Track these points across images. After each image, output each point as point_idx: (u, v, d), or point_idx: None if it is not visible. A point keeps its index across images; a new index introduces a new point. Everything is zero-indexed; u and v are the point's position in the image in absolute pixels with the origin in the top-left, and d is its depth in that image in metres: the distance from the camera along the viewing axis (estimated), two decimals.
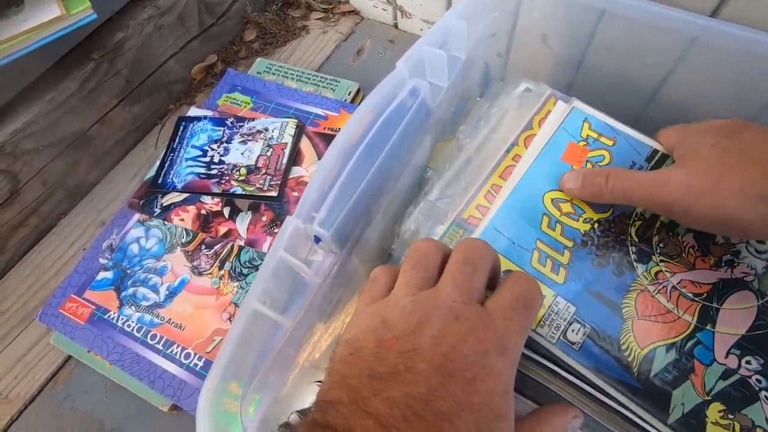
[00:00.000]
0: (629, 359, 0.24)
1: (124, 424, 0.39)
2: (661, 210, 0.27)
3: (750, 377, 0.23)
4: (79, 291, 0.44)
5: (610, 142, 0.31)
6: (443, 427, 0.16)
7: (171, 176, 0.48)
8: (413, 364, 0.17)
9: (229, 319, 0.40)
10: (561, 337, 0.24)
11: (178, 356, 0.39)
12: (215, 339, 0.39)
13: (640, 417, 0.23)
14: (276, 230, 0.44)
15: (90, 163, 0.51)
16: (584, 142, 0.31)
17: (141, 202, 0.47)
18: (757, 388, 0.23)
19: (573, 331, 0.24)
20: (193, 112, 0.53)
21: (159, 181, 0.48)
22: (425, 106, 0.32)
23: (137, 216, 0.47)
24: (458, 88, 0.35)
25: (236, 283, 0.42)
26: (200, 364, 0.39)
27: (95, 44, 0.46)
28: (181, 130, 0.51)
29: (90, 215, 0.50)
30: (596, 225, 0.28)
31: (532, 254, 0.27)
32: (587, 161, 0.30)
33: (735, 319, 0.25)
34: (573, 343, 0.24)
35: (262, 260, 0.43)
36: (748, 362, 0.23)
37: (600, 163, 0.30)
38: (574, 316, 0.25)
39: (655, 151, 0.29)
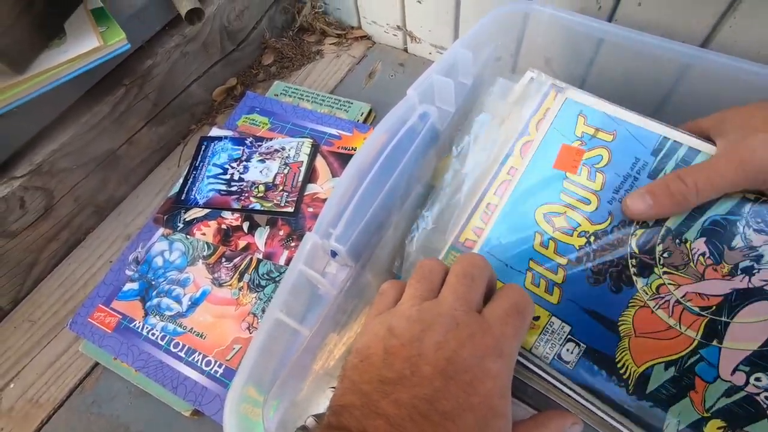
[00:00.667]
0: (624, 377, 0.23)
1: (148, 428, 0.41)
2: (760, 180, 0.24)
3: (758, 395, 0.22)
4: (106, 301, 0.46)
5: (609, 137, 0.29)
6: (447, 426, 0.18)
7: (193, 193, 0.51)
8: (418, 369, 0.19)
9: (248, 328, 0.43)
10: (555, 357, 0.24)
11: (199, 363, 0.41)
12: (235, 347, 0.42)
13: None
14: (292, 244, 0.46)
15: (118, 180, 0.54)
16: (579, 142, 0.29)
17: (165, 217, 0.50)
18: (765, 406, 0.21)
19: (567, 350, 0.24)
20: (215, 132, 0.56)
21: (182, 198, 0.51)
22: (434, 129, 0.34)
23: (161, 230, 0.50)
24: (465, 109, 0.37)
25: (254, 294, 0.44)
26: (220, 371, 0.41)
27: (126, 71, 0.50)
28: (203, 149, 0.54)
29: (117, 230, 0.53)
30: (592, 238, 0.27)
31: (525, 276, 0.27)
32: (582, 165, 0.29)
33: (747, 333, 0.23)
34: (567, 362, 0.24)
35: (279, 272, 0.45)
36: (758, 379, 0.22)
37: (597, 165, 0.29)
38: (569, 336, 0.25)
39: (665, 140, 0.28)
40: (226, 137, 0.55)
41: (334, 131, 0.54)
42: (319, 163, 0.52)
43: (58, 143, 0.46)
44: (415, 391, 0.18)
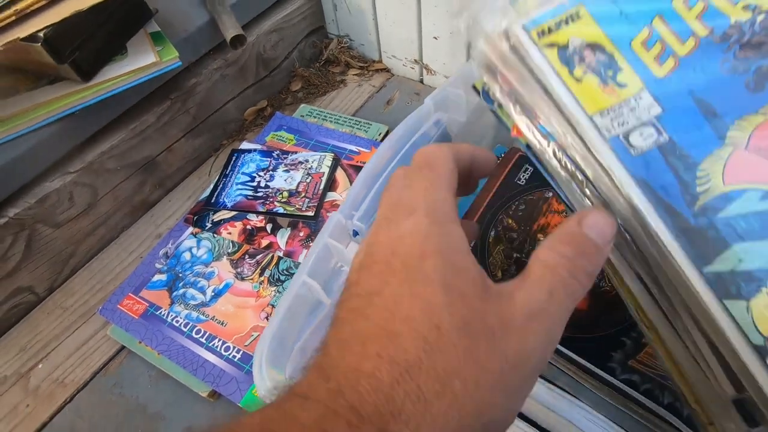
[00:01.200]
0: (698, 190, 0.17)
1: (166, 409, 0.43)
2: None
3: None
4: (135, 290, 0.50)
5: None
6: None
7: (222, 197, 0.56)
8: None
9: (266, 317, 0.45)
10: (620, 136, 0.18)
11: (218, 349, 0.44)
12: (253, 334, 0.44)
13: (671, 257, 0.17)
14: (311, 244, 0.50)
15: (154, 184, 0.59)
16: None
17: (195, 218, 0.55)
18: None
19: (641, 135, 0.18)
20: (245, 145, 0.61)
21: (212, 201, 0.56)
22: (446, 134, 0.39)
23: (191, 229, 0.54)
24: (477, 123, 0.42)
25: (274, 288, 0.47)
26: (238, 356, 0.43)
27: (173, 87, 0.56)
28: (233, 159, 0.60)
29: (149, 229, 0.58)
30: (760, 17, 0.19)
31: (640, 31, 0.19)
32: None
33: None
34: (632, 146, 0.18)
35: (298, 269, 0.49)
36: None
37: None
38: (653, 120, 0.18)
39: None
40: (255, 150, 0.60)
41: (353, 148, 0.59)
42: (339, 174, 0.56)
43: (108, 145, 0.52)
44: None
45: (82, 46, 0.45)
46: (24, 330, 0.51)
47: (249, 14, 0.62)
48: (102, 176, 0.53)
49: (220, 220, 0.54)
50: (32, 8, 0.41)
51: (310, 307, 0.31)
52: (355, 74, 0.72)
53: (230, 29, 0.54)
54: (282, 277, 0.48)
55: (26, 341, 0.50)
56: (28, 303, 0.52)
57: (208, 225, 0.54)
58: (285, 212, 0.53)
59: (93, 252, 0.56)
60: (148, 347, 0.45)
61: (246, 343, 0.44)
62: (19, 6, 0.40)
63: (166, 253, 0.52)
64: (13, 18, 0.40)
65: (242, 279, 0.49)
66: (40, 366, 0.48)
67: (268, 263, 0.50)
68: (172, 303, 0.48)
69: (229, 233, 0.53)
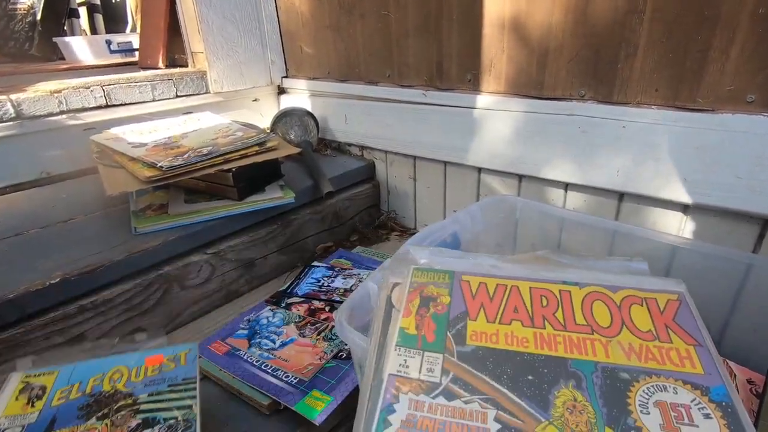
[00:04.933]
0: None
1: (231, 420, 0.55)
2: None
3: None
4: (222, 338, 0.67)
5: None
6: None
7: (296, 289, 0.77)
8: None
9: (320, 358, 0.60)
10: None
11: (281, 376, 0.58)
12: (309, 367, 0.59)
13: None
14: None
15: (248, 279, 0.82)
16: None
17: (274, 300, 0.75)
18: None
19: None
20: (315, 263, 0.86)
21: (287, 291, 0.77)
22: (458, 239, 0.63)
23: (269, 307, 0.74)
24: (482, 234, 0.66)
25: (327, 342, 0.64)
26: (295, 380, 0.57)
27: (281, 218, 0.86)
28: (306, 269, 0.83)
29: (236, 310, 0.77)
30: None
31: None
32: None
33: None
34: None
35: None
36: None
37: None
38: None
39: None
40: (322, 266, 0.84)
41: None
42: None
43: (233, 243, 0.78)
44: None
45: (246, 181, 0.78)
46: None
47: (335, 187, 0.96)
48: (221, 262, 0.77)
49: (292, 302, 0.74)
50: (232, 158, 0.74)
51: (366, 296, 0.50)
52: (397, 235, 1.02)
53: (326, 187, 0.87)
54: (333, 337, 0.65)
55: None
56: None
57: (283, 304, 0.74)
58: (341, 300, 0.73)
59: (195, 316, 0.75)
60: (227, 372, 0.60)
61: (303, 371, 0.58)
62: (227, 156, 0.74)
63: (248, 319, 0.71)
64: (221, 161, 0.73)
65: (304, 336, 0.66)
66: None
67: (324, 329, 0.67)
68: (249, 347, 0.64)
69: (298, 310, 0.72)
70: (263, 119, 1.20)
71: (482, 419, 0.24)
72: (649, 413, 0.24)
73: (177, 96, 1.04)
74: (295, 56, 1.16)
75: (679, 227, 0.64)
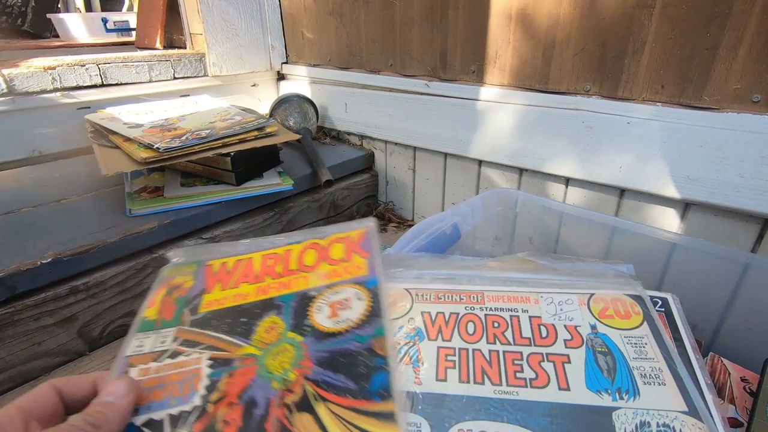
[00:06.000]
0: None
1: None
2: None
3: None
4: None
5: None
6: None
7: None
8: None
9: None
10: None
11: None
12: None
13: None
14: None
15: None
16: None
17: None
18: None
19: None
20: None
21: None
22: (458, 230, 0.63)
23: None
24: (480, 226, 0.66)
25: None
26: None
27: (278, 205, 0.85)
28: None
29: None
30: None
31: None
32: None
33: None
34: None
35: None
36: None
37: None
38: None
39: None
40: None
41: None
42: None
43: (228, 228, 0.77)
44: None
45: (244, 166, 0.76)
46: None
47: (334, 176, 0.95)
48: None
49: None
50: (230, 142, 0.73)
51: None
52: (394, 226, 1.01)
53: (325, 176, 0.86)
54: None
55: None
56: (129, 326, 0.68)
57: None
58: None
59: None
60: None
61: None
62: (225, 140, 0.73)
63: None
64: (220, 144, 0.72)
65: None
66: None
67: None
68: None
69: None
70: (262, 105, 1.18)
71: (197, 363, 0.29)
72: (321, 311, 0.31)
73: (174, 78, 1.02)
74: (296, 42, 1.15)
75: (678, 225, 0.64)
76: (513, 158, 0.78)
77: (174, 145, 0.68)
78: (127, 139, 0.72)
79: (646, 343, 0.35)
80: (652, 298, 0.40)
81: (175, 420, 0.26)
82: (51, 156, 0.90)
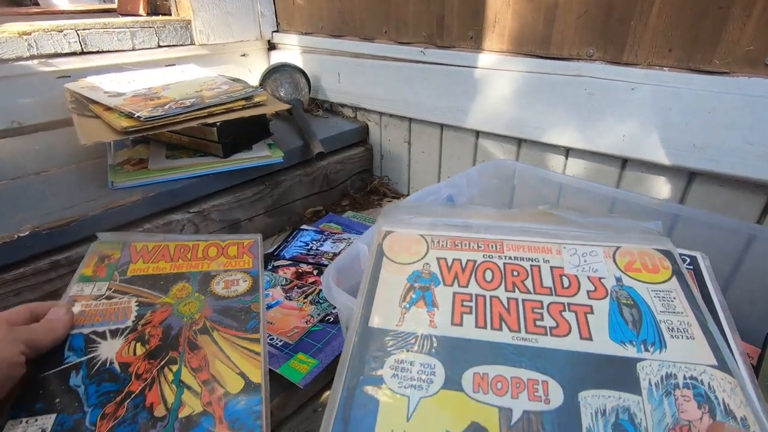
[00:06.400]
0: None
1: None
2: None
3: None
4: None
5: None
6: None
7: (283, 252, 0.74)
8: None
9: (306, 322, 0.58)
10: None
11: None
12: (295, 330, 0.57)
13: None
14: None
15: None
16: None
17: None
18: None
19: None
20: (305, 227, 0.83)
21: (274, 254, 0.74)
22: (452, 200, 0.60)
23: None
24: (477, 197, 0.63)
25: (314, 306, 0.62)
26: (280, 343, 0.55)
27: (269, 178, 0.82)
28: (295, 233, 0.80)
29: None
30: None
31: None
32: None
33: None
34: None
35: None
36: None
37: None
38: None
39: None
40: (312, 230, 0.81)
41: None
42: None
43: (217, 202, 0.74)
44: None
45: (232, 137, 0.73)
46: None
47: (327, 149, 0.92)
48: (205, 222, 0.73)
49: (279, 265, 0.71)
50: (216, 111, 0.70)
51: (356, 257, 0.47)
52: (389, 201, 0.99)
53: (317, 148, 0.83)
54: (321, 301, 0.63)
55: None
56: None
57: (270, 267, 0.71)
58: (328, 263, 0.70)
59: None
60: None
61: (288, 334, 0.56)
62: (211, 110, 0.69)
63: None
64: (206, 114, 0.69)
65: (290, 300, 0.63)
66: None
67: (312, 292, 0.65)
68: None
69: (284, 273, 0.69)
70: (252, 76, 1.14)
71: (127, 303, 0.43)
72: (218, 284, 0.46)
73: (159, 46, 0.97)
74: (287, 8, 1.09)
75: (682, 195, 0.62)
76: (511, 128, 0.75)
77: (156, 114, 0.65)
78: (108, 108, 0.69)
79: (674, 297, 0.34)
80: (680, 256, 0.39)
81: (113, 333, 0.40)
82: (31, 127, 0.86)
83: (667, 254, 0.37)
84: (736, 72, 0.53)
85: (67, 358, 0.37)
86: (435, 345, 0.32)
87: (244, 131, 0.77)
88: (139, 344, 0.39)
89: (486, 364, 0.30)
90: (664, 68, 0.58)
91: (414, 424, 0.27)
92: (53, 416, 0.34)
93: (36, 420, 0.33)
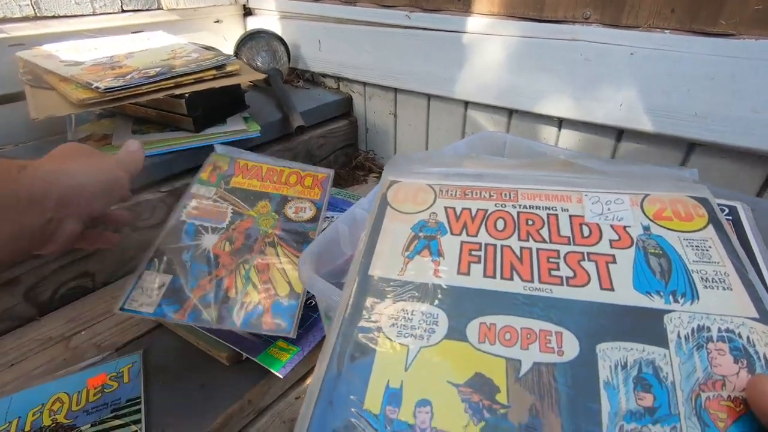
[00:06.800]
0: None
1: (187, 372, 0.50)
2: None
3: None
4: None
5: None
6: None
7: None
8: None
9: None
10: None
11: None
12: None
13: None
14: None
15: None
16: None
17: None
18: None
19: None
20: None
21: None
22: None
23: None
24: None
25: None
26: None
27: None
28: None
29: None
30: None
31: None
32: None
33: None
34: None
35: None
36: None
37: None
38: None
39: None
40: None
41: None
42: None
43: (188, 181, 0.69)
44: None
45: (202, 110, 0.68)
46: (77, 306, 0.60)
47: (308, 122, 0.87)
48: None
49: None
50: (185, 82, 0.64)
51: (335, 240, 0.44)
52: (375, 176, 0.95)
53: (297, 121, 0.78)
54: None
55: (76, 314, 0.58)
56: (85, 288, 0.62)
57: None
58: None
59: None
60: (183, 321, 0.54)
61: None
62: (178, 80, 0.63)
63: None
64: (173, 84, 0.63)
65: None
66: (82, 333, 0.56)
67: None
68: None
69: None
70: (227, 44, 1.06)
71: (226, 209, 0.57)
72: (290, 208, 0.60)
73: (122, 11, 0.90)
74: None
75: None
76: (502, 98, 0.70)
77: (116, 85, 0.59)
78: (64, 79, 0.63)
79: (710, 246, 0.31)
80: (718, 205, 0.36)
81: (213, 229, 0.54)
82: None
83: (703, 201, 0.34)
84: (743, 34, 0.50)
85: (183, 240, 0.52)
86: (439, 295, 0.31)
87: (216, 103, 0.72)
88: (227, 243, 0.53)
89: (494, 314, 0.29)
90: (666, 30, 0.54)
91: (412, 374, 0.26)
92: (170, 277, 0.49)
93: (161, 275, 0.49)
